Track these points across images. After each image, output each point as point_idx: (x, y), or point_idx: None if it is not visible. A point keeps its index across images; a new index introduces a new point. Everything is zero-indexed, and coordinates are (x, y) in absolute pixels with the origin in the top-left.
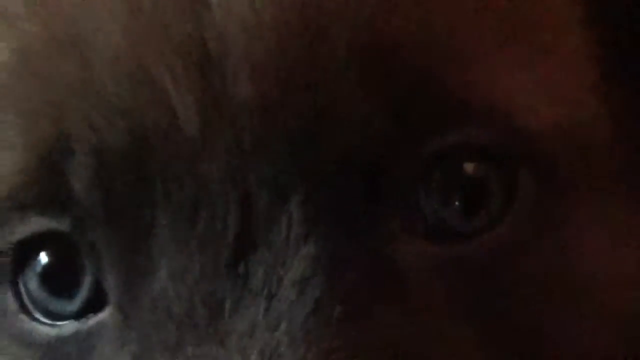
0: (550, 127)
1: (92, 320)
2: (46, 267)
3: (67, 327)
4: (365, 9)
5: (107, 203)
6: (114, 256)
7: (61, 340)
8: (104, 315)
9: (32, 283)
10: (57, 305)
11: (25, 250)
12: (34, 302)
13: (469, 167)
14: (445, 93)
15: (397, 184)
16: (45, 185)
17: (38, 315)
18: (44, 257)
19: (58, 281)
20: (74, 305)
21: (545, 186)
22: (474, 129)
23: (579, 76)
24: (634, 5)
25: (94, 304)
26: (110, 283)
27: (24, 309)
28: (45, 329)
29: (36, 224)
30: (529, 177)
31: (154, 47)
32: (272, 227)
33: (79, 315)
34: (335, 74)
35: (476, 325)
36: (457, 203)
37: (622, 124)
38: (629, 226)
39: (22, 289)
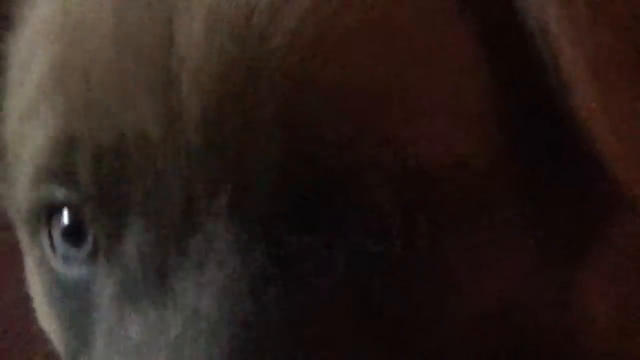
0: (443, 166)
1: (92, 267)
2: (65, 226)
3: (77, 269)
4: (299, 60)
5: (99, 184)
6: (103, 225)
7: (74, 278)
8: (98, 264)
9: (56, 235)
10: (71, 252)
11: (54, 210)
12: (58, 249)
13: (372, 199)
14: (351, 139)
15: (310, 203)
16: (62, 167)
17: (60, 258)
18: (65, 217)
19: (72, 235)
20: (81, 254)
21: (436, 217)
22: (373, 170)
23: (477, 120)
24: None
25: (94, 255)
26: (101, 241)
27: (53, 251)
28: (64, 268)
29: (58, 192)
30: (423, 210)
31: (133, 71)
32: (207, 217)
33: (83, 261)
34: (260, 115)
35: (364, 323)
36: (360, 227)
37: (508, 169)
38: (496, 250)
39: (53, 237)
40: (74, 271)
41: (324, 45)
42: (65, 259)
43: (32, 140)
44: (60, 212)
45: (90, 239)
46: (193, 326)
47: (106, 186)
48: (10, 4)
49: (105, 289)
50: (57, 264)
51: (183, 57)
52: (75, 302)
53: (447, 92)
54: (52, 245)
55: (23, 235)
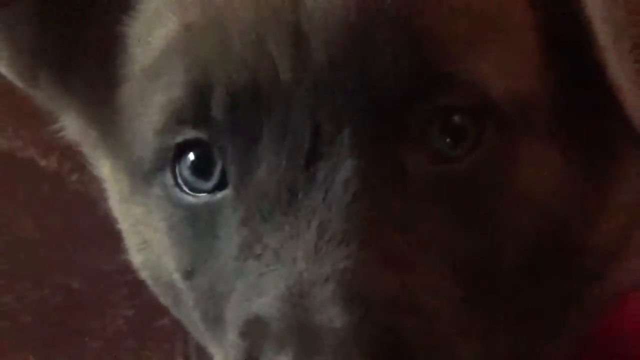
0: (507, 94)
1: (219, 194)
2: (193, 161)
3: (204, 197)
4: (404, 14)
5: (233, 122)
6: (235, 156)
7: (199, 205)
8: (226, 192)
9: (184, 169)
10: (198, 184)
11: (181, 149)
12: (185, 181)
13: (456, 118)
14: (444, 74)
15: (413, 126)
16: (196, 109)
17: (186, 189)
18: (192, 155)
19: (200, 169)
20: (209, 185)
21: (501, 131)
22: (458, 95)
23: (529, 61)
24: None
25: (220, 185)
26: (231, 172)
27: (177, 184)
28: (189, 197)
29: (188, 133)
30: (492, 126)
31: (267, 27)
32: (331, 146)
33: (211, 191)
34: (376, 57)
35: (453, 211)
36: (448, 139)
37: (558, 96)
38: (550, 161)
39: (177, 173)
40: (201, 199)
41: None
42: (193, 189)
43: (161, 94)
44: (187, 150)
45: (217, 171)
46: (325, 234)
47: (240, 122)
48: None
49: (235, 211)
50: (183, 196)
51: (310, 15)
52: (199, 226)
53: (518, 45)
54: (176, 180)
55: (126, 187)
